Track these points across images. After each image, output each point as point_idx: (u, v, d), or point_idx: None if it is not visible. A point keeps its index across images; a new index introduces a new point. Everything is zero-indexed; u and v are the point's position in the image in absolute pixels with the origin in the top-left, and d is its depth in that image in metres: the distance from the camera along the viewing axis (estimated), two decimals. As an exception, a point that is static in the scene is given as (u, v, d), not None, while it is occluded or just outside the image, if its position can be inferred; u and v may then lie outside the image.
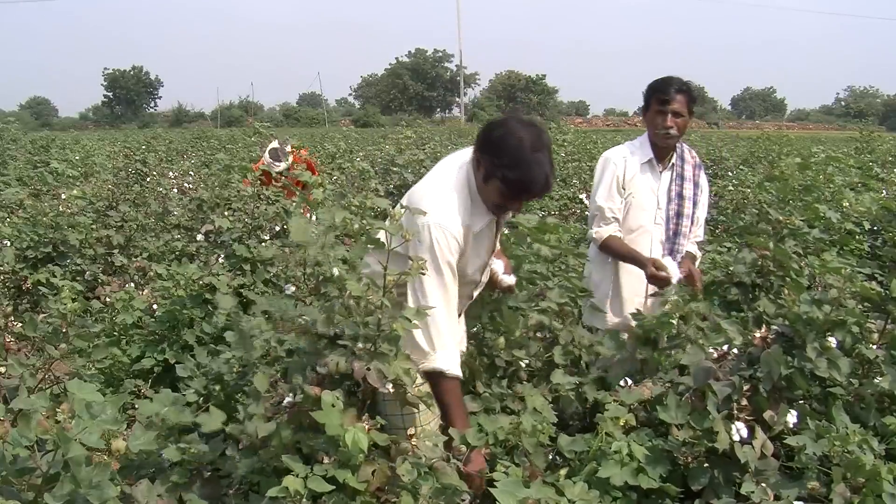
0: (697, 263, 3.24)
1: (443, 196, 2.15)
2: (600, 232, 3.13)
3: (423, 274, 1.91)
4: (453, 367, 2.12)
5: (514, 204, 2.21)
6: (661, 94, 3.00)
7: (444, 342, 2.10)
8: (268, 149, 6.01)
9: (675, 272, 2.92)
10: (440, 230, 2.08)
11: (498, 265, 2.55)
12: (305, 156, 6.18)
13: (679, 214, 3.14)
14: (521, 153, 2.06)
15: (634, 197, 3.12)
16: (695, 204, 3.16)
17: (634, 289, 3.16)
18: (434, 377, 2.11)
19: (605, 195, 3.13)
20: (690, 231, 3.19)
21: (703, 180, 3.25)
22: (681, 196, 3.14)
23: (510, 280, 2.59)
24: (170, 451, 1.92)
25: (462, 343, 2.52)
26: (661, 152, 3.14)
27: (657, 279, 2.92)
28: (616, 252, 3.12)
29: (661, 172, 3.15)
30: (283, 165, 5.88)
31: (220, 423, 1.96)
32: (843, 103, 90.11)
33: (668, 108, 3.00)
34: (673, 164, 3.15)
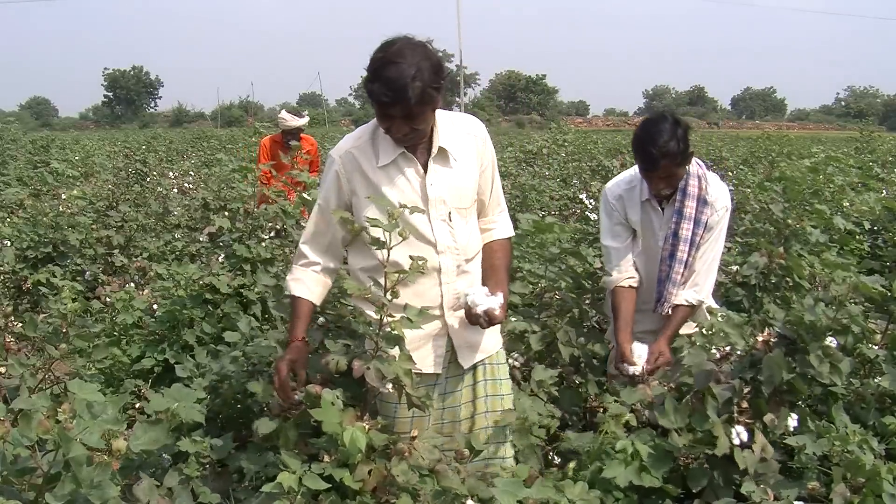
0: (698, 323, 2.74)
1: (344, 138, 2.20)
2: (607, 281, 2.84)
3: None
4: (289, 285, 2.15)
5: (385, 122, 2.00)
6: (643, 162, 2.64)
7: (298, 257, 2.18)
8: (283, 110, 6.07)
9: (639, 362, 2.59)
10: (329, 160, 2.15)
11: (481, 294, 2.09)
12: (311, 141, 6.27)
13: (672, 256, 2.72)
14: (374, 68, 1.93)
15: (638, 237, 2.81)
16: (692, 245, 2.71)
17: (644, 325, 2.82)
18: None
19: (609, 235, 2.84)
20: (684, 276, 2.74)
21: (712, 217, 2.73)
22: (676, 235, 2.71)
23: (488, 304, 2.06)
24: (184, 443, 1.95)
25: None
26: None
27: (618, 370, 2.66)
28: (612, 306, 2.82)
29: (662, 210, 2.78)
30: (302, 121, 5.96)
31: (269, 393, 2.00)
32: (843, 103, 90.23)
33: (654, 174, 2.64)
34: (674, 199, 2.73)
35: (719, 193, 2.77)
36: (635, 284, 2.80)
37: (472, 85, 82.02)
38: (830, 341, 2.13)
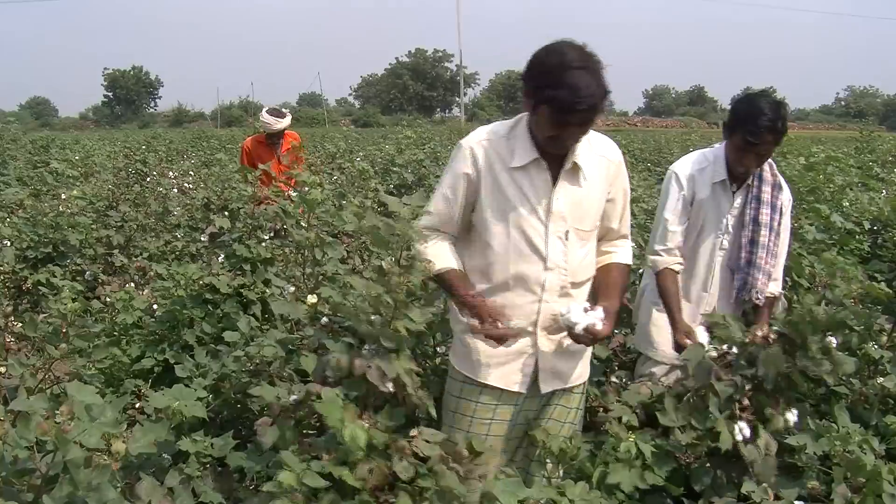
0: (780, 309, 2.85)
1: (480, 128, 2.16)
2: (657, 262, 2.78)
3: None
4: (436, 265, 2.03)
5: (563, 129, 1.94)
6: (748, 134, 2.60)
7: (421, 238, 2.08)
8: (264, 110, 5.83)
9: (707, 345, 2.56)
10: (460, 145, 2.11)
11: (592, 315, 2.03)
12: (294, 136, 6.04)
13: (753, 242, 2.73)
14: (562, 70, 1.88)
15: (699, 220, 2.79)
16: (771, 230, 2.74)
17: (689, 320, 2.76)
18: (434, 279, 2.07)
19: (672, 214, 2.79)
20: (770, 264, 2.75)
21: (785, 203, 2.79)
22: (756, 222, 2.73)
23: (587, 321, 1.99)
24: (185, 443, 1.95)
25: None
26: (737, 174, 2.78)
27: (682, 348, 2.59)
28: (661, 290, 2.78)
29: (734, 193, 2.78)
30: (284, 122, 5.73)
31: (273, 396, 1.99)
32: (842, 103, 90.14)
33: (753, 150, 2.63)
34: (748, 184, 2.76)
35: (785, 182, 2.83)
36: (680, 269, 2.79)
37: (472, 85, 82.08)
38: (830, 340, 2.13)
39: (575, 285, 2.11)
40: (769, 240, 2.74)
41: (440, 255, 2.08)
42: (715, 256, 2.81)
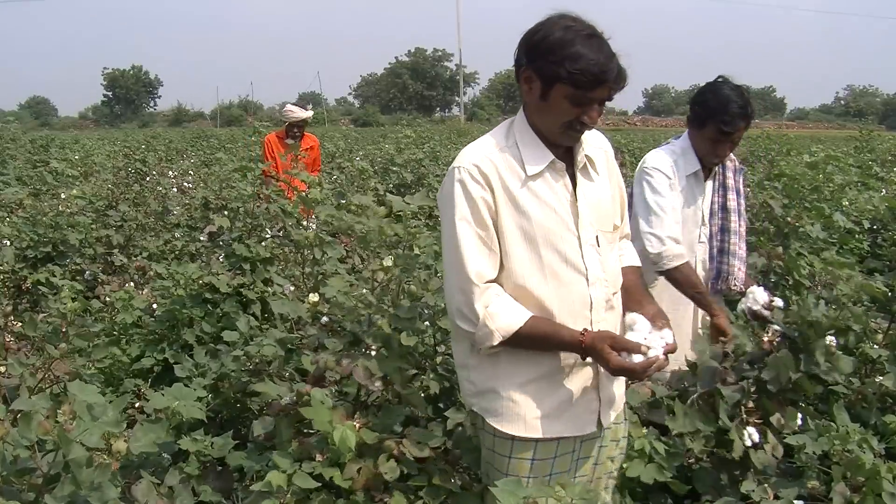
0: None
1: (468, 146, 1.84)
2: (677, 256, 2.60)
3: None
4: (513, 323, 1.70)
5: (588, 107, 1.70)
6: (722, 125, 2.57)
7: (482, 304, 1.70)
8: (288, 104, 6.23)
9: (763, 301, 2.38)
10: (457, 172, 1.75)
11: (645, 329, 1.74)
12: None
13: (724, 230, 2.73)
14: (574, 40, 1.64)
15: (679, 212, 2.72)
16: (740, 216, 2.76)
17: (679, 323, 2.62)
18: (508, 340, 1.72)
19: (671, 207, 2.65)
20: (742, 248, 2.76)
21: (742, 186, 2.85)
22: (725, 209, 2.74)
23: (669, 337, 1.71)
24: (185, 442, 1.96)
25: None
26: (711, 165, 2.76)
27: (724, 333, 2.48)
28: (687, 282, 2.61)
29: (704, 182, 2.76)
30: (310, 113, 6.12)
31: (276, 393, 1.98)
32: (842, 102, 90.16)
33: (728, 139, 2.62)
34: (715, 172, 2.77)
35: (739, 163, 2.85)
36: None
37: (472, 84, 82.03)
38: (830, 340, 2.13)
39: (615, 294, 1.86)
40: (738, 225, 2.75)
41: (512, 306, 1.73)
42: (696, 250, 2.75)
